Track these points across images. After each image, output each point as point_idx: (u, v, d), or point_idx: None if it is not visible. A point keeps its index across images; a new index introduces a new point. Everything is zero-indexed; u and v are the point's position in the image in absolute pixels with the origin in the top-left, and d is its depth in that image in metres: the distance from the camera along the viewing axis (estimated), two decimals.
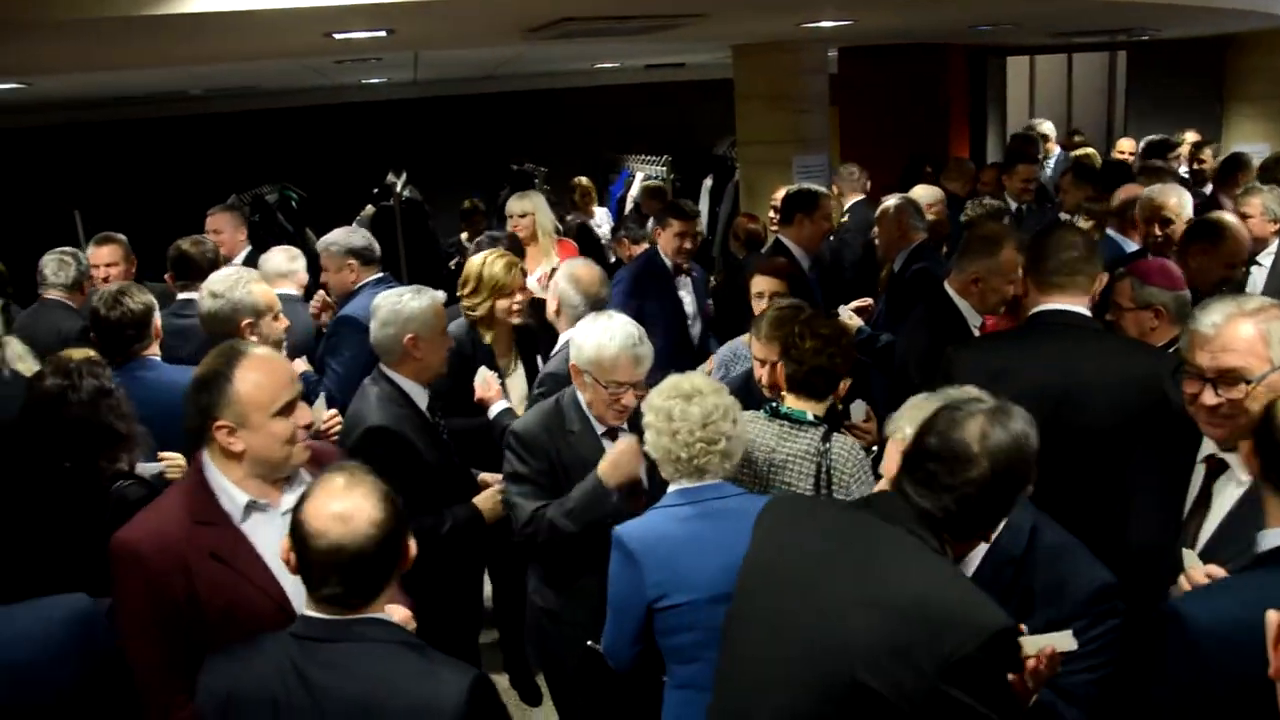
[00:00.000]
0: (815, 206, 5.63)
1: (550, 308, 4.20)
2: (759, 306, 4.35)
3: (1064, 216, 6.42)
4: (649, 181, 9.96)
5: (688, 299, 5.69)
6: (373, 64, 8.02)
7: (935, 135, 9.56)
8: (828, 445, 3.11)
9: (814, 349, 3.31)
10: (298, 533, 2.01)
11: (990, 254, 4.13)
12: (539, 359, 4.42)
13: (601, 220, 9.77)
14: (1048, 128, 10.02)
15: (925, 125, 9.51)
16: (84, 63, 5.89)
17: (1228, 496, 2.43)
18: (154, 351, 3.89)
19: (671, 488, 2.85)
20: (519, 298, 4.25)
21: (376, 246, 4.95)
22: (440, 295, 3.72)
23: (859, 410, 3.66)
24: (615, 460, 3.15)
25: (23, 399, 3.33)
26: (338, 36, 5.26)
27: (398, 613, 2.34)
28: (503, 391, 4.10)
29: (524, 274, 4.44)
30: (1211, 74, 11.14)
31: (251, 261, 5.37)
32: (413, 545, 2.11)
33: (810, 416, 3.19)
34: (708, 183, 11.44)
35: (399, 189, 9.65)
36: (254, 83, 9.59)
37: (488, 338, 4.24)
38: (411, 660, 2.00)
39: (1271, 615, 1.54)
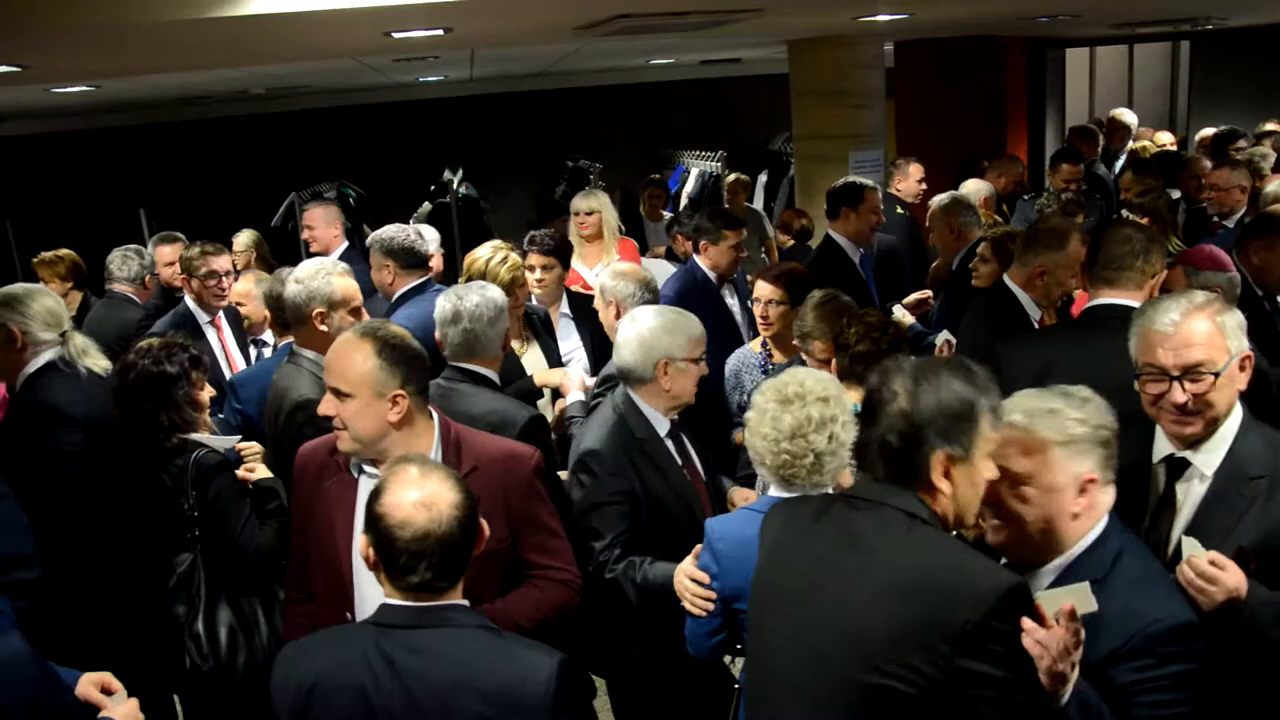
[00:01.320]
0: (861, 199, 5.60)
1: (607, 315, 4.17)
2: (757, 310, 4.33)
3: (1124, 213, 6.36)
4: (733, 177, 9.86)
5: (736, 307, 5.29)
6: (430, 62, 8.11)
7: (993, 130, 9.45)
8: None
9: (858, 334, 3.31)
10: (379, 526, 2.03)
11: (1058, 247, 4.11)
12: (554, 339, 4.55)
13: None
14: (1129, 117, 9.73)
15: (983, 120, 9.41)
16: (153, 65, 6.03)
17: (1193, 495, 2.43)
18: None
19: (770, 490, 2.79)
20: (519, 296, 4.30)
21: (423, 251, 4.69)
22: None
23: None
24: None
25: (95, 390, 3.57)
26: (396, 35, 5.34)
27: None
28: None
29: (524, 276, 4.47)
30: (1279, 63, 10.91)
31: (347, 257, 5.43)
32: (485, 525, 2.14)
33: (858, 407, 3.09)
34: (763, 178, 11.43)
35: (455, 186, 9.77)
36: (313, 81, 9.73)
37: None
38: (497, 644, 2.04)
39: None
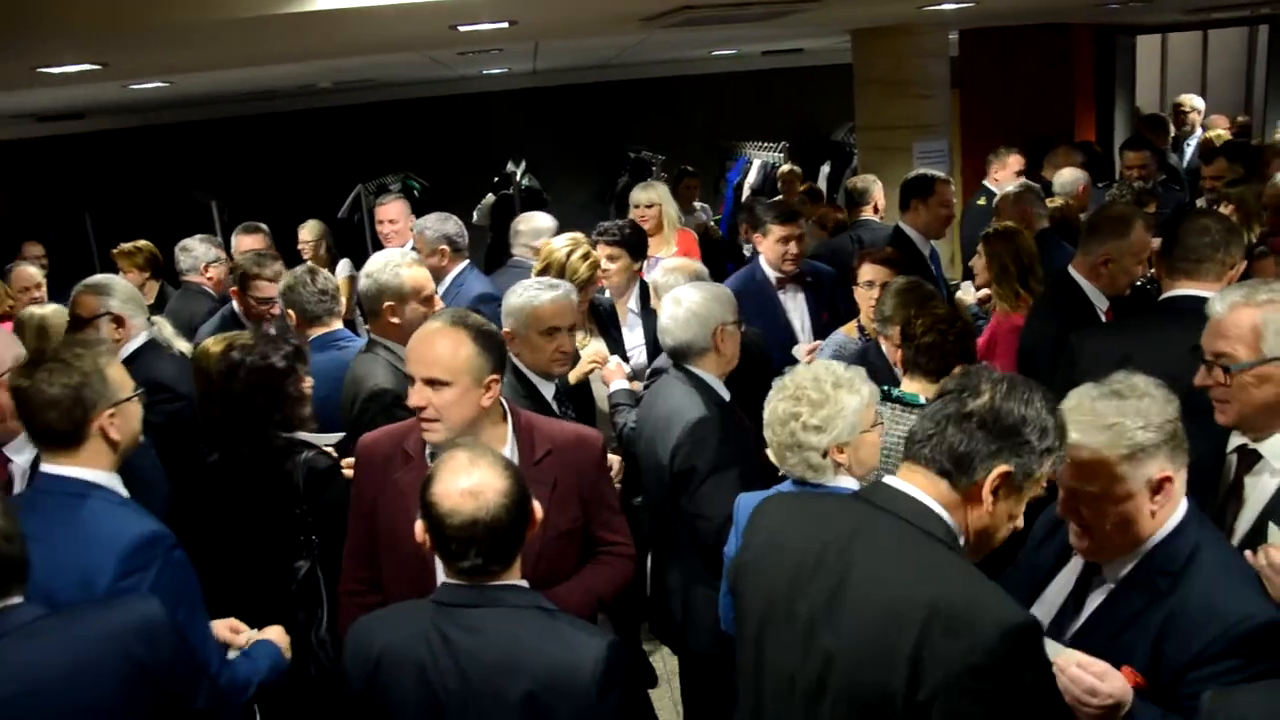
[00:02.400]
0: (931, 191, 5.56)
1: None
2: (869, 295, 4.31)
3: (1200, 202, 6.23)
4: (787, 168, 9.82)
5: (796, 313, 5.07)
6: (493, 55, 8.18)
7: (1060, 119, 9.30)
8: None
9: (924, 325, 3.30)
10: (431, 513, 2.09)
11: (1122, 234, 4.04)
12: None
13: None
14: (1197, 102, 9.51)
15: (1050, 109, 9.24)
16: (225, 60, 6.14)
17: (1262, 489, 2.37)
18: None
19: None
20: (591, 292, 4.34)
21: (466, 236, 5.12)
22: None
23: None
24: None
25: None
26: (462, 29, 5.39)
27: None
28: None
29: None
30: None
31: None
32: (538, 508, 2.18)
33: (923, 400, 3.07)
34: (825, 169, 11.35)
35: (518, 178, 9.82)
36: (378, 75, 9.85)
37: None
38: (549, 624, 2.09)
39: None
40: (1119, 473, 2.04)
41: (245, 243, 6.03)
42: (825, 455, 2.73)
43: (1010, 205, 5.48)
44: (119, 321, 3.90)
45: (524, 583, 2.17)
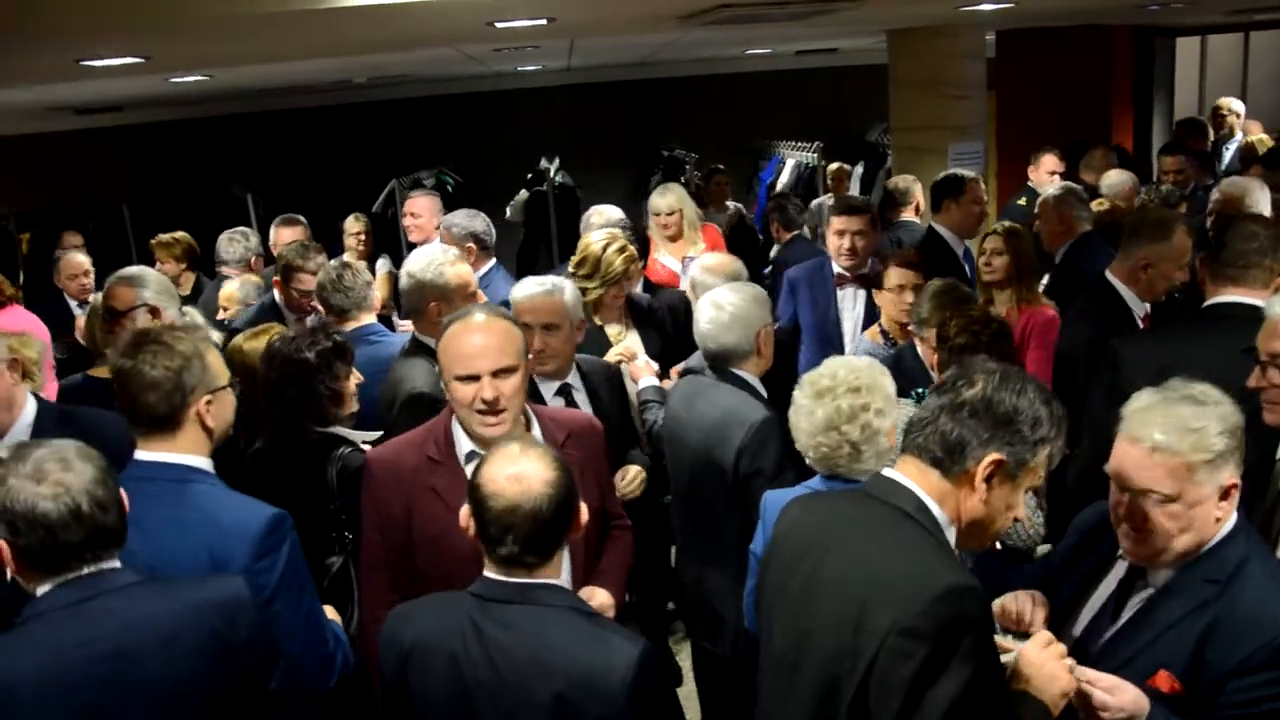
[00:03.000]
0: (962, 190, 5.53)
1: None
2: (899, 299, 4.29)
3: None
4: (835, 166, 9.77)
5: (849, 313, 4.94)
6: (529, 52, 8.19)
7: (1098, 122, 9.21)
8: None
9: (958, 327, 3.29)
10: (475, 495, 2.11)
11: (1162, 238, 4.01)
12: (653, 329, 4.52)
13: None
14: (1236, 105, 9.39)
15: (1087, 112, 9.16)
16: (266, 54, 6.19)
17: None
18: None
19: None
20: (627, 288, 4.34)
21: (494, 233, 5.13)
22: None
23: None
24: None
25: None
26: (499, 25, 5.40)
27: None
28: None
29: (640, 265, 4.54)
30: None
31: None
32: (584, 511, 2.19)
33: None
34: (858, 170, 11.29)
35: (552, 174, 9.84)
36: (414, 71, 9.90)
37: (596, 318, 4.31)
38: (583, 626, 2.09)
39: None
40: (1198, 477, 2.04)
41: (285, 235, 6.07)
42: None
43: (1051, 208, 5.42)
44: (155, 312, 3.91)
45: (562, 583, 2.17)
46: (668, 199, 6.02)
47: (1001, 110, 9.45)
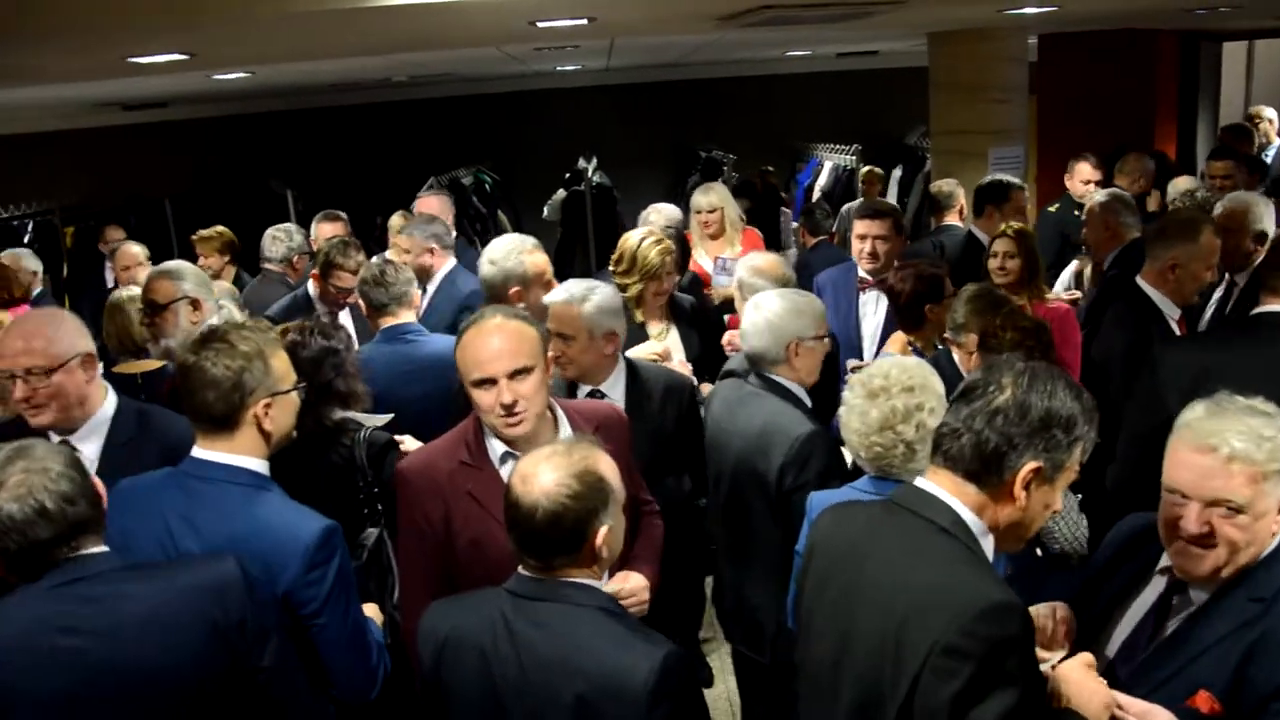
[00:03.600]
0: (1006, 198, 5.51)
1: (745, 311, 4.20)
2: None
3: None
4: (868, 169, 9.70)
5: (870, 319, 4.86)
6: (569, 51, 8.22)
7: (1141, 128, 9.10)
8: None
9: (1013, 341, 3.26)
10: (507, 495, 2.12)
11: (1190, 238, 3.96)
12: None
13: None
14: (1270, 114, 9.26)
15: (1130, 117, 9.04)
16: (311, 51, 6.26)
17: None
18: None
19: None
20: (664, 281, 4.33)
21: (453, 236, 5.28)
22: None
23: None
24: None
25: None
26: (541, 25, 5.43)
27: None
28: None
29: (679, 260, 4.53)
30: None
31: (459, 246, 5.66)
32: (604, 525, 2.13)
33: None
34: (897, 173, 11.24)
35: (590, 174, 9.86)
36: (454, 70, 9.95)
37: (639, 315, 4.33)
38: (611, 627, 2.09)
39: None
40: (1266, 487, 1.99)
41: (326, 230, 6.12)
42: None
43: (1097, 215, 5.34)
44: (195, 305, 3.94)
45: (595, 582, 2.17)
46: (710, 197, 6.00)
47: (1042, 115, 9.37)
